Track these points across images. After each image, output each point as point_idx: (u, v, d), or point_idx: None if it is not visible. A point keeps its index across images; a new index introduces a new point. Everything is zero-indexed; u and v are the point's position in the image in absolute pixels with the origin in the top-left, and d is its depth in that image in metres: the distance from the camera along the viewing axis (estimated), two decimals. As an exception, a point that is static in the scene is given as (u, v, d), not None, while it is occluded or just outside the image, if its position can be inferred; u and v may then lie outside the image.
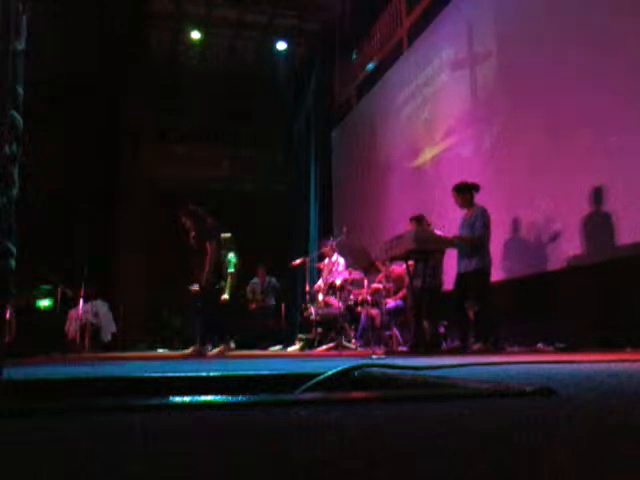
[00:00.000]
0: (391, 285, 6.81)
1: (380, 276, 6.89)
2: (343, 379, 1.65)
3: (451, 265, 5.59)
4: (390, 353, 5.13)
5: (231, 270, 7.44)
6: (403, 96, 8.92)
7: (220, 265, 5.94)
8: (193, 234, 5.80)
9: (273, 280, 9.63)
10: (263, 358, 4.68)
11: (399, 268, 6.66)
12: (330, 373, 1.60)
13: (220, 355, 5.33)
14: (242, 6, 10.92)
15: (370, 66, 10.43)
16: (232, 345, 5.60)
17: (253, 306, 9.39)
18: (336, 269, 7.53)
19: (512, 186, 5.97)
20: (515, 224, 5.95)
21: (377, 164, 9.74)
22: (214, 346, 5.71)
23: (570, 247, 5.19)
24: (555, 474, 0.55)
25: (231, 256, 7.42)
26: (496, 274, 5.41)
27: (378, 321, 6.89)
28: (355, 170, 10.74)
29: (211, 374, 1.87)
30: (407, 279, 5.83)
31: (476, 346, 4.85)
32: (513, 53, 6.18)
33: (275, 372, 2.00)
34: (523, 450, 0.66)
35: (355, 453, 0.66)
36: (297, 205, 12.67)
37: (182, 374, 1.92)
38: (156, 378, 1.85)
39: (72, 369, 2.74)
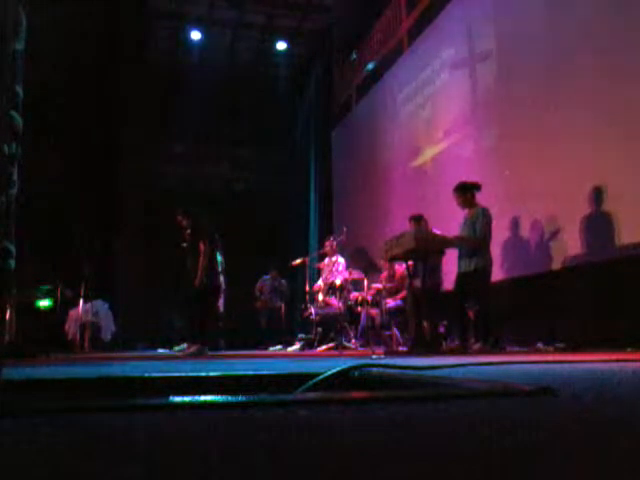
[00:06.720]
0: (392, 285, 6.80)
1: (384, 275, 6.88)
2: (343, 379, 1.66)
3: (451, 265, 5.58)
4: (390, 353, 5.13)
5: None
6: (403, 96, 8.92)
7: (214, 265, 5.99)
8: (188, 232, 5.91)
9: (283, 282, 9.62)
10: (263, 358, 4.67)
11: (402, 268, 6.66)
12: (330, 373, 1.60)
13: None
14: (242, 6, 10.91)
15: (370, 66, 10.42)
16: (207, 351, 5.57)
17: (259, 305, 9.39)
18: (336, 269, 7.53)
19: (512, 186, 5.97)
20: (515, 224, 5.95)
21: (377, 164, 9.74)
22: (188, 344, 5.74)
23: (570, 247, 5.19)
24: (555, 474, 0.55)
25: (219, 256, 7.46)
26: (496, 274, 5.41)
27: (378, 321, 6.89)
28: (355, 170, 10.74)
29: (211, 374, 1.87)
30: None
31: (476, 346, 4.84)
32: (513, 53, 6.17)
33: (275, 372, 2.00)
34: (523, 450, 0.66)
35: (354, 453, 0.66)
36: (297, 205, 12.66)
37: (182, 374, 1.92)
38: (156, 378, 1.85)
39: (72, 369, 2.74)
